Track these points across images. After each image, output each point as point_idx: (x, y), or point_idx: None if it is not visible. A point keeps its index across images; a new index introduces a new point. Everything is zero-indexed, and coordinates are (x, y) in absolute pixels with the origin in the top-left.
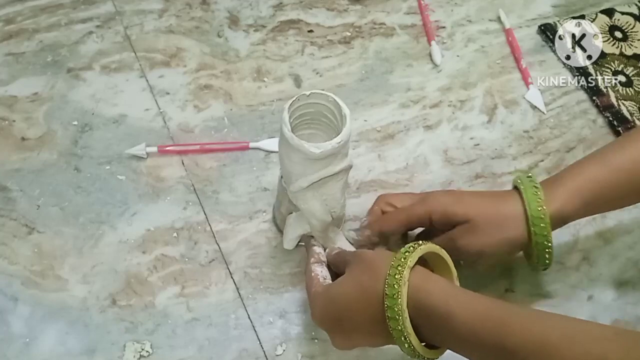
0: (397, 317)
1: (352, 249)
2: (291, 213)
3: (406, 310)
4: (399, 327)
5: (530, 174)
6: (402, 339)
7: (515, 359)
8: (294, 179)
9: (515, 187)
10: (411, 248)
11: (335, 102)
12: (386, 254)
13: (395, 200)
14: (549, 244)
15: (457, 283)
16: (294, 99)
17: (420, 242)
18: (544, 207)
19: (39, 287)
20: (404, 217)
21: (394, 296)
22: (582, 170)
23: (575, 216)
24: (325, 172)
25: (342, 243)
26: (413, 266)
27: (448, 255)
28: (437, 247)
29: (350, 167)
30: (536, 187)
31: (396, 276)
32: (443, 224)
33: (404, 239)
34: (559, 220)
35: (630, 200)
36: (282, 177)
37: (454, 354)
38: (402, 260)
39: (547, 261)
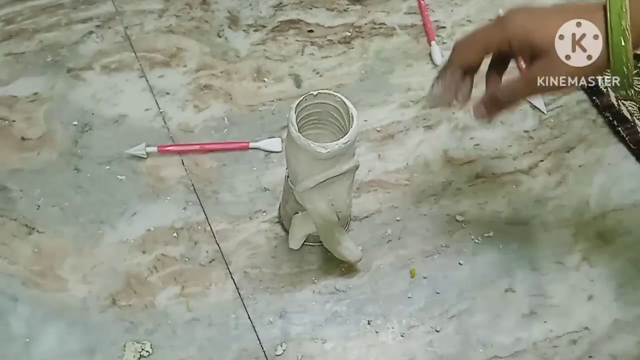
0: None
1: (356, 250)
2: (297, 213)
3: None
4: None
5: None
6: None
7: None
8: (300, 179)
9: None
10: None
11: (343, 102)
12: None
13: (471, 36)
14: (627, 73)
15: None
16: (301, 98)
17: None
18: (628, 33)
19: (39, 287)
20: (482, 42)
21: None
22: None
23: None
24: (331, 172)
25: (348, 243)
26: None
27: None
28: None
29: (357, 167)
30: (624, 11)
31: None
32: (522, 51)
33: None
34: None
35: None
36: (288, 176)
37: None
38: None
39: (626, 92)
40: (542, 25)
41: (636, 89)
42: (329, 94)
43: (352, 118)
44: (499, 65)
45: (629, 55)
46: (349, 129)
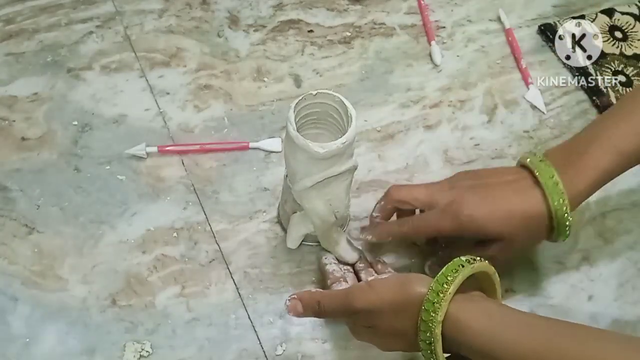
0: (428, 351)
1: (354, 251)
2: (295, 212)
3: (440, 349)
4: (430, 354)
5: (541, 157)
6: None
7: None
8: (298, 178)
9: (532, 173)
10: (448, 278)
11: (342, 102)
12: (418, 287)
13: (410, 197)
14: (568, 224)
15: (500, 292)
16: (300, 98)
17: (464, 261)
18: (565, 196)
19: (39, 287)
20: (431, 232)
21: (427, 334)
22: (597, 163)
23: (593, 192)
24: (329, 172)
25: (345, 245)
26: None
27: (493, 269)
28: (480, 265)
29: (355, 167)
30: (556, 184)
31: (431, 313)
32: (472, 236)
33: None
34: (579, 201)
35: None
36: (287, 175)
37: None
38: (439, 295)
39: (567, 233)
40: (491, 216)
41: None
42: (328, 93)
43: (351, 118)
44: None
45: (570, 215)
46: (347, 129)
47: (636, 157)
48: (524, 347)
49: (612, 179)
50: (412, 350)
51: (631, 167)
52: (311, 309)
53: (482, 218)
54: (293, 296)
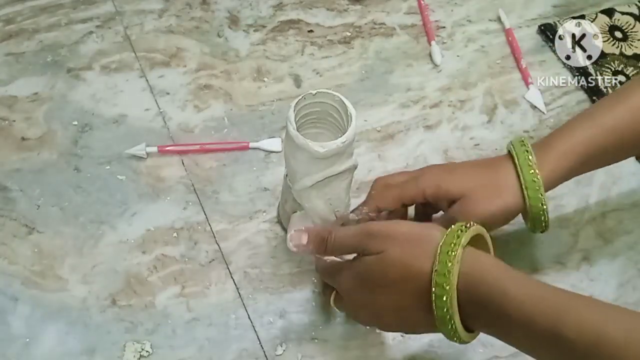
0: (444, 295)
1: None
2: (295, 212)
3: (455, 289)
4: (445, 306)
5: (522, 139)
6: (446, 318)
7: (573, 350)
8: (298, 178)
9: (509, 152)
10: (464, 227)
11: (342, 101)
12: (434, 230)
13: (391, 180)
14: (544, 207)
15: None
16: (300, 97)
17: (471, 222)
18: (537, 171)
19: (39, 287)
20: (397, 194)
21: (445, 274)
22: (572, 132)
23: (567, 177)
24: (329, 171)
25: None
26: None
27: (490, 239)
28: (483, 229)
29: (355, 167)
30: (527, 152)
31: (449, 253)
32: (438, 200)
33: (404, 217)
34: (552, 183)
35: (617, 158)
36: (287, 175)
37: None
38: (456, 237)
39: (544, 224)
40: (452, 176)
41: None
42: (328, 93)
43: (351, 117)
44: (425, 210)
45: (542, 192)
46: (347, 128)
47: (614, 129)
48: (537, 287)
49: (596, 154)
50: (411, 314)
51: (613, 142)
52: (319, 239)
53: (442, 177)
54: (299, 228)
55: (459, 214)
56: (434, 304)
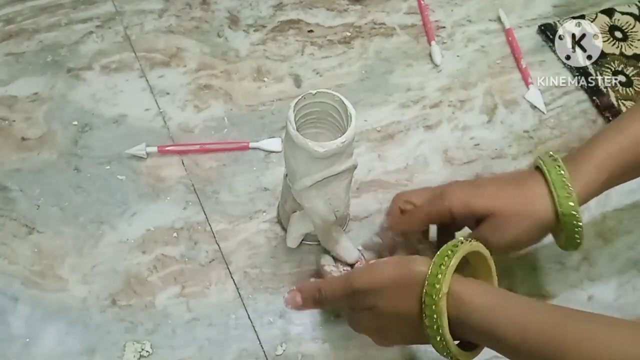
0: (437, 336)
1: (354, 250)
2: (295, 212)
3: (447, 330)
4: (440, 345)
5: (552, 153)
6: (443, 352)
7: None
8: (298, 178)
9: (537, 168)
10: (449, 252)
11: (341, 101)
12: (417, 266)
13: (413, 197)
14: (579, 223)
15: (496, 280)
16: (300, 97)
17: (460, 240)
18: (570, 186)
19: (39, 287)
20: (424, 215)
21: (432, 307)
22: (603, 145)
23: (600, 191)
24: (329, 171)
25: (345, 244)
26: (453, 272)
27: (488, 252)
28: (477, 244)
29: (355, 166)
30: (559, 167)
31: (434, 297)
32: (465, 218)
33: (425, 234)
34: (585, 198)
35: None
36: (286, 175)
37: None
38: (441, 267)
39: (578, 241)
40: (480, 192)
41: (636, 89)
42: (328, 93)
43: (351, 117)
44: (448, 231)
45: (577, 209)
46: (347, 128)
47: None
48: (528, 327)
49: (629, 165)
50: (415, 338)
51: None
52: (311, 297)
53: (469, 194)
54: (292, 289)
55: (490, 234)
56: (431, 343)
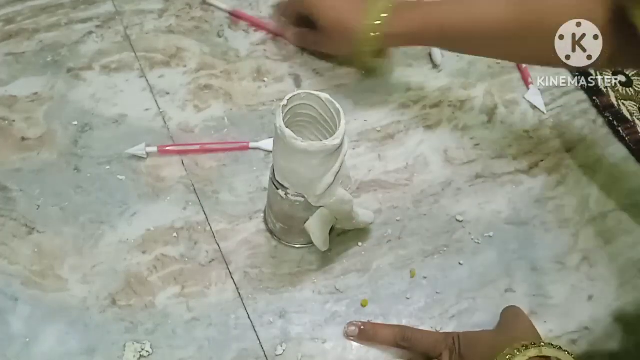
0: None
1: (369, 212)
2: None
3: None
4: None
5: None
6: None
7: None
8: (316, 182)
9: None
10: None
11: (330, 101)
12: None
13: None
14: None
15: None
16: (285, 102)
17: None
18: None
19: (39, 287)
20: (289, 5)
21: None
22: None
23: (409, 36)
24: (341, 157)
25: (362, 211)
26: None
27: None
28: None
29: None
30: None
31: None
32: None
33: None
34: (396, 29)
35: (476, 52)
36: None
37: None
38: None
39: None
40: (325, 4)
41: (636, 89)
42: (313, 94)
43: (340, 114)
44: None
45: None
46: (336, 121)
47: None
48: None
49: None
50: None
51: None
52: (365, 332)
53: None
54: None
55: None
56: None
